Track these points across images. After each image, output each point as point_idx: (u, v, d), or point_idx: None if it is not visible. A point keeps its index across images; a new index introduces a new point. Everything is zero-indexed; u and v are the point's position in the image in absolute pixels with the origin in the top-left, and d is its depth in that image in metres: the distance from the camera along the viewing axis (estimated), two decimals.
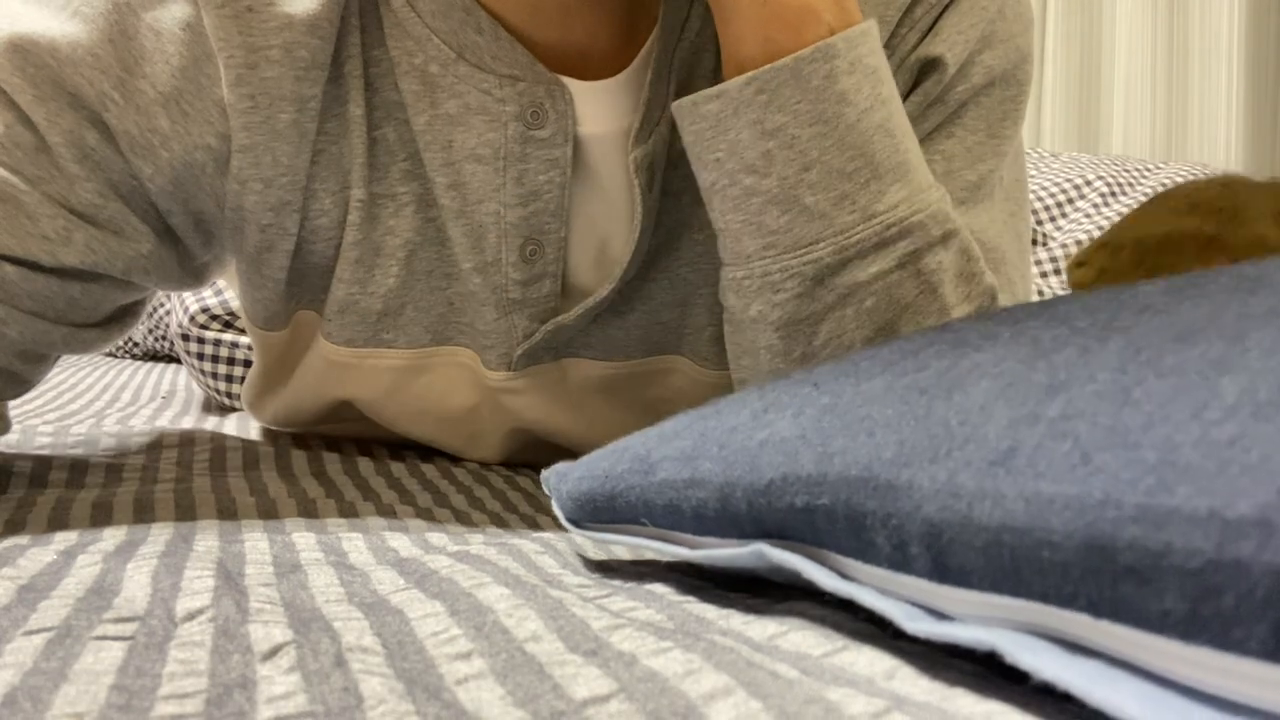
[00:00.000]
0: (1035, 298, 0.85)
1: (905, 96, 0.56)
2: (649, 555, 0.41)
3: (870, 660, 0.24)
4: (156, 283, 0.57)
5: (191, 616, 0.31)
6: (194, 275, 0.61)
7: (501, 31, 0.53)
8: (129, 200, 0.53)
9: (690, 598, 0.32)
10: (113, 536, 0.43)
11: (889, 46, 0.55)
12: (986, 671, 0.23)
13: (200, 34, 0.52)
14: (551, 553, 0.40)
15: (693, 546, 0.32)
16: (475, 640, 0.27)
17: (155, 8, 0.52)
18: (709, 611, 0.30)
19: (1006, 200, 0.60)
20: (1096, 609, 0.19)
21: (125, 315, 0.60)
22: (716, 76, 0.56)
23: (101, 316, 0.57)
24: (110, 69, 0.51)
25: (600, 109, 0.55)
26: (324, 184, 0.56)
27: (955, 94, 0.56)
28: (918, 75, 0.56)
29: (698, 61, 0.56)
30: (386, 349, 0.60)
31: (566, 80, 0.54)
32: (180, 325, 0.99)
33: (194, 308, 0.99)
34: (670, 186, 0.58)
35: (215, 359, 0.96)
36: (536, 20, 0.53)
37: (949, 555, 0.22)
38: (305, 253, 0.58)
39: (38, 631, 0.29)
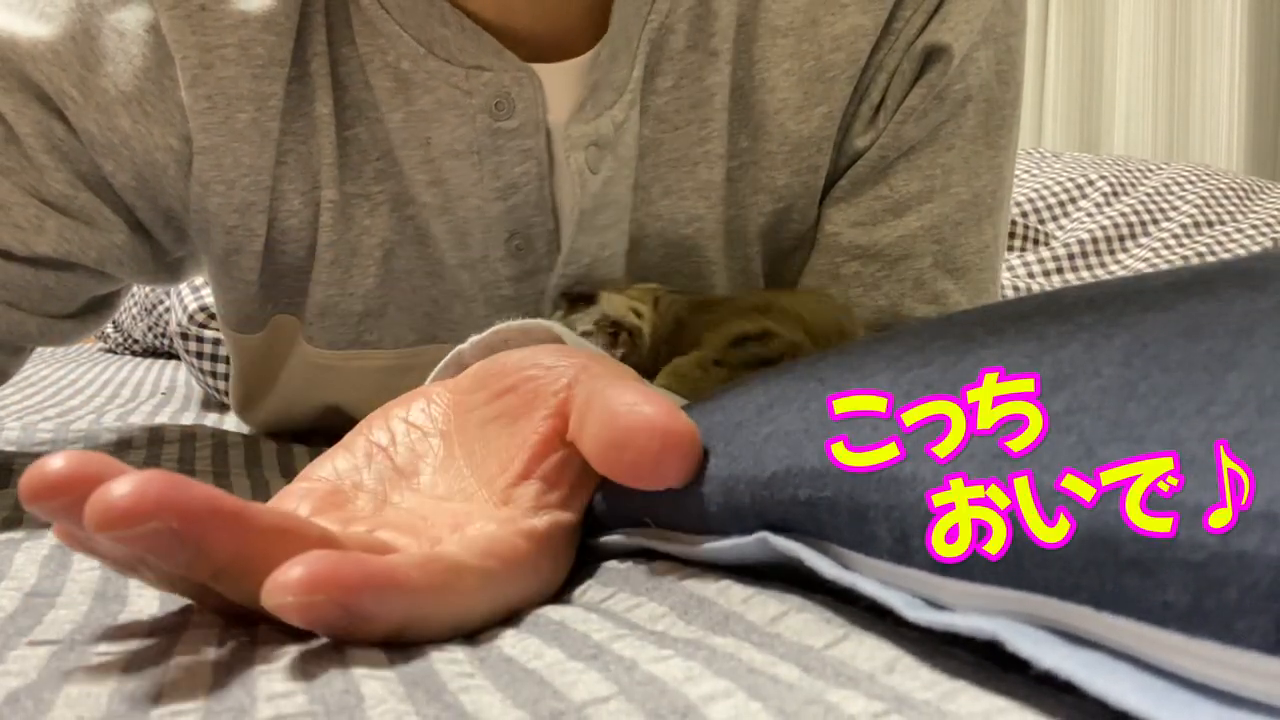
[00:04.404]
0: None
1: (911, 85, 0.55)
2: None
3: (871, 651, 0.24)
4: (131, 275, 0.57)
5: (193, 615, 0.31)
6: (169, 271, 0.60)
7: (467, 22, 0.51)
8: (99, 192, 0.53)
9: (688, 570, 0.32)
10: None
11: (889, 30, 0.53)
12: (987, 661, 0.23)
13: (164, 36, 0.51)
14: None
15: (695, 545, 0.32)
16: (476, 665, 0.27)
17: (119, 9, 0.51)
18: (708, 588, 0.30)
19: (997, 219, 0.59)
20: (1098, 601, 0.19)
21: (101, 306, 0.59)
22: (685, 58, 0.54)
23: (77, 307, 0.56)
24: (70, 66, 0.50)
25: (572, 93, 0.53)
26: (292, 184, 0.55)
27: (954, 91, 0.54)
28: (922, 63, 0.54)
29: (665, 41, 0.54)
30: (371, 350, 0.59)
31: (540, 67, 0.52)
32: (179, 324, 0.98)
33: (193, 306, 0.98)
34: (640, 179, 0.56)
35: (215, 358, 0.96)
36: (505, 7, 0.52)
37: None
38: (276, 254, 0.57)
39: (41, 640, 0.29)
